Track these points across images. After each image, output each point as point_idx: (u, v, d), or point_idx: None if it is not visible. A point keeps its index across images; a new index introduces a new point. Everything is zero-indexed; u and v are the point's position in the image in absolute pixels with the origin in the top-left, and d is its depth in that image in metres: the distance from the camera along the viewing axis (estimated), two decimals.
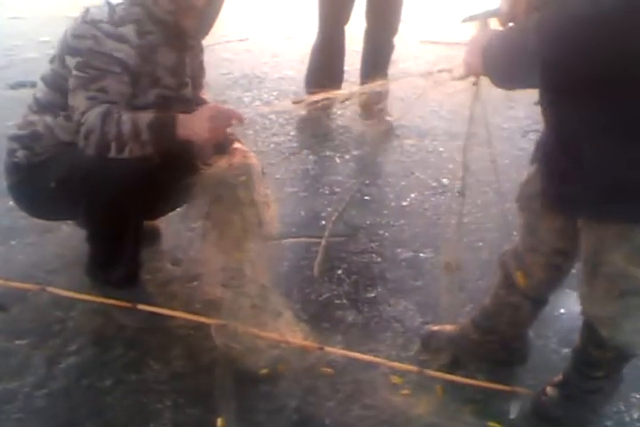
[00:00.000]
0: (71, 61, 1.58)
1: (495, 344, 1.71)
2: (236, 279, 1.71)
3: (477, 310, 1.75)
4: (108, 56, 1.56)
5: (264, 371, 1.64)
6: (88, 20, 1.58)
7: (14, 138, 1.74)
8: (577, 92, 1.17)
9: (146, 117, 1.56)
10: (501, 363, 1.72)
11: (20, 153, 1.72)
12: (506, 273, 1.63)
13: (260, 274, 1.71)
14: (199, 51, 1.88)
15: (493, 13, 1.42)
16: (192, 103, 1.86)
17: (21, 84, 3.52)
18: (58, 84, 1.66)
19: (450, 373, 1.66)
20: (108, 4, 1.63)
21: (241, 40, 4.52)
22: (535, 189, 1.46)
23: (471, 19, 1.50)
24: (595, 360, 1.49)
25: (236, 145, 1.81)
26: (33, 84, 3.23)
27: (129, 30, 1.59)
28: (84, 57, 1.56)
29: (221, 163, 1.70)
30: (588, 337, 1.47)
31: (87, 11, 1.61)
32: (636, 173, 1.18)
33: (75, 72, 1.57)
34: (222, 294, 1.74)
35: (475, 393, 1.63)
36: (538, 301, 1.63)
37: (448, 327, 1.79)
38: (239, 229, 1.69)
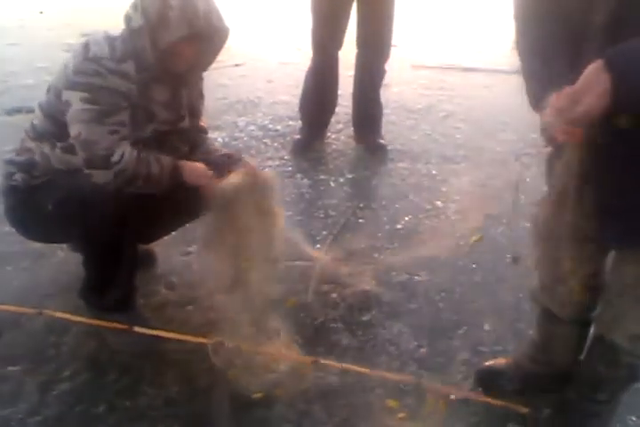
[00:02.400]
0: (74, 96, 1.59)
1: (554, 375, 1.67)
2: (238, 294, 1.71)
3: (527, 345, 1.71)
4: (115, 91, 1.59)
5: (259, 395, 1.63)
6: (90, 57, 1.59)
7: (12, 162, 1.76)
8: None
9: (169, 162, 1.69)
10: (555, 391, 1.68)
11: (18, 176, 1.74)
12: (543, 308, 1.60)
13: (264, 291, 1.71)
14: (198, 79, 1.91)
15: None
16: (189, 134, 1.91)
17: (17, 110, 3.56)
18: (52, 114, 1.68)
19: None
20: (107, 38, 1.64)
21: (237, 65, 4.59)
22: (555, 213, 1.33)
23: None
24: (601, 381, 1.47)
25: (246, 161, 1.87)
26: (29, 110, 3.31)
27: (129, 67, 1.61)
28: (91, 93, 1.58)
29: (235, 176, 1.73)
30: (600, 355, 1.46)
31: (87, 46, 1.61)
32: None
33: (83, 106, 1.58)
34: (222, 309, 1.74)
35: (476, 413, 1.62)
36: (583, 323, 1.58)
37: (501, 361, 1.76)
38: (251, 240, 1.71)
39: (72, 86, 1.60)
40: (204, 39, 1.68)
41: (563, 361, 1.66)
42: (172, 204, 1.81)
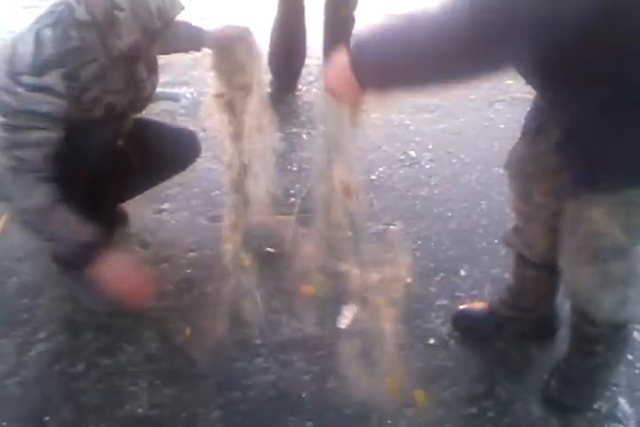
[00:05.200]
0: None
1: (526, 320, 1.70)
2: None
3: (502, 289, 1.73)
4: (31, 113, 1.42)
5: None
6: (11, 72, 1.41)
7: None
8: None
9: (83, 237, 1.50)
10: (532, 337, 1.72)
11: None
12: (515, 251, 1.61)
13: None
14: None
15: None
16: (150, 97, 1.81)
17: None
18: None
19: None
20: (36, 35, 1.42)
21: (201, 19, 4.43)
22: (528, 152, 1.41)
23: None
24: (592, 336, 1.46)
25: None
26: None
27: (53, 79, 1.41)
28: (7, 118, 1.43)
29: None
30: (579, 314, 1.44)
31: (14, 51, 1.42)
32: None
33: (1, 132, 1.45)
34: None
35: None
36: (553, 269, 1.54)
37: (477, 305, 1.79)
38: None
39: None
40: (162, 35, 1.50)
41: (535, 306, 1.68)
42: (146, 163, 1.76)
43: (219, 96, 1.75)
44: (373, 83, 1.06)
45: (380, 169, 2.59)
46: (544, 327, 1.74)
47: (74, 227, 1.49)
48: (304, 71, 3.32)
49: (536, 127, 1.39)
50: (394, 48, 0.99)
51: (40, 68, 1.40)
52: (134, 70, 1.64)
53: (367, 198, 2.38)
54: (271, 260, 2.00)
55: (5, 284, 1.87)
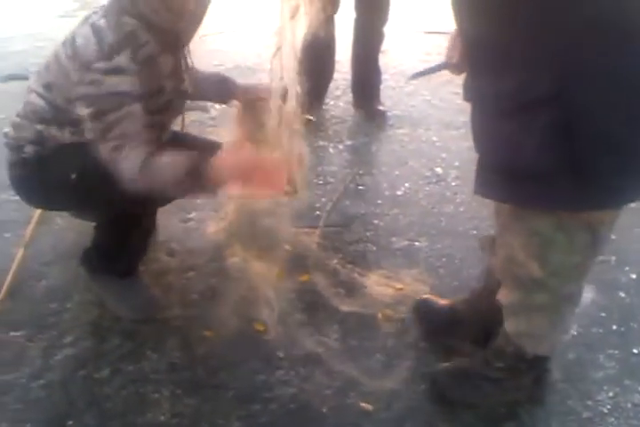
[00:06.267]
0: (83, 111, 1.53)
1: (477, 325, 1.70)
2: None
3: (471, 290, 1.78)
4: (114, 94, 1.51)
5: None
6: (82, 65, 1.50)
7: (19, 137, 1.69)
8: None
9: (181, 165, 1.51)
10: (479, 343, 1.70)
11: (30, 148, 1.67)
12: (486, 256, 1.64)
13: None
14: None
15: (442, 67, 1.43)
16: (188, 94, 1.86)
17: (11, 78, 3.49)
18: (54, 106, 1.62)
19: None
20: (92, 27, 1.53)
21: (234, 31, 4.49)
22: None
23: (420, 75, 1.53)
24: (498, 349, 1.49)
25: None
26: (23, 78, 3.24)
27: (123, 59, 1.51)
28: (93, 106, 1.51)
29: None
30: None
31: (75, 49, 1.52)
32: (519, 149, 1.11)
33: (91, 124, 1.53)
34: None
35: None
36: None
37: (442, 301, 1.83)
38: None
39: (77, 98, 1.53)
40: (201, 20, 1.62)
41: (488, 314, 1.64)
42: None
43: (237, 145, 1.76)
44: None
45: (406, 185, 2.59)
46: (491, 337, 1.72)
47: (179, 165, 1.51)
48: (332, 85, 3.35)
49: None
50: None
51: (108, 53, 1.50)
52: (179, 57, 1.72)
53: (392, 214, 2.39)
54: (295, 272, 2.01)
55: (34, 287, 1.91)
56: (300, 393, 1.60)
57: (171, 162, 1.53)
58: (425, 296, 1.87)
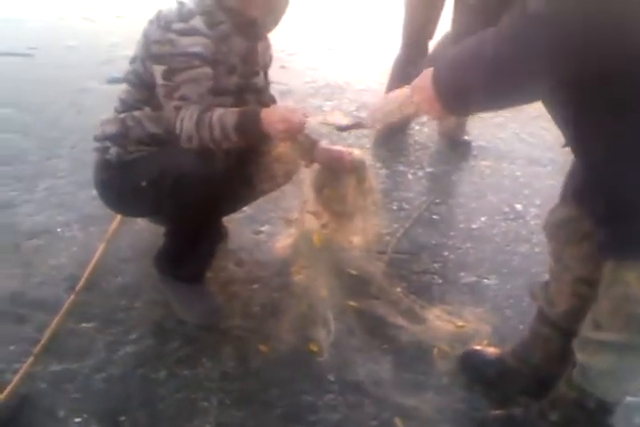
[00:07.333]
0: (157, 69, 1.64)
1: (529, 376, 1.65)
2: None
3: (517, 341, 1.72)
4: (185, 55, 1.61)
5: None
6: (162, 25, 1.63)
7: (105, 136, 1.81)
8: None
9: (231, 118, 1.59)
10: (532, 395, 1.64)
11: (113, 150, 1.78)
12: (537, 306, 1.62)
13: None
14: (270, 43, 1.93)
15: (362, 125, 1.49)
16: (263, 94, 1.93)
17: (118, 80, 3.70)
18: (140, 83, 1.73)
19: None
20: (178, 2, 1.68)
21: (329, 49, 4.58)
22: (561, 216, 1.46)
23: (345, 129, 1.61)
24: (558, 397, 1.44)
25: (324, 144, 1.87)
26: None
27: (198, 22, 1.63)
28: (166, 64, 1.62)
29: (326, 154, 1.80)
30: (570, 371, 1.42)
31: (159, 13, 1.66)
32: None
33: (161, 82, 1.64)
34: None
35: None
36: (567, 332, 1.52)
37: (488, 350, 1.78)
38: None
39: (151, 58, 1.65)
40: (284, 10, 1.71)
41: (540, 365, 1.62)
42: (249, 176, 1.87)
43: (314, 214, 1.79)
44: (451, 100, 1.14)
45: (482, 219, 2.54)
46: (545, 388, 1.63)
47: (230, 117, 1.60)
48: None
49: (572, 191, 1.44)
50: (466, 68, 1.08)
51: (186, 15, 1.64)
52: (254, 46, 1.80)
53: (464, 247, 2.35)
54: (357, 296, 2.00)
55: (110, 282, 2.00)
56: (345, 420, 1.59)
57: (223, 115, 1.60)
58: (472, 348, 1.80)
